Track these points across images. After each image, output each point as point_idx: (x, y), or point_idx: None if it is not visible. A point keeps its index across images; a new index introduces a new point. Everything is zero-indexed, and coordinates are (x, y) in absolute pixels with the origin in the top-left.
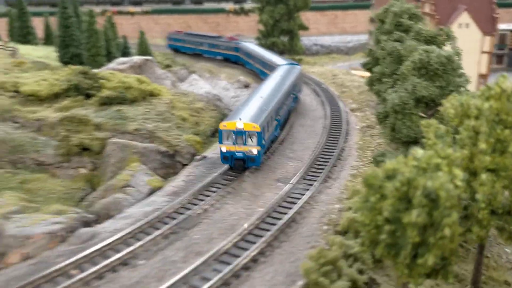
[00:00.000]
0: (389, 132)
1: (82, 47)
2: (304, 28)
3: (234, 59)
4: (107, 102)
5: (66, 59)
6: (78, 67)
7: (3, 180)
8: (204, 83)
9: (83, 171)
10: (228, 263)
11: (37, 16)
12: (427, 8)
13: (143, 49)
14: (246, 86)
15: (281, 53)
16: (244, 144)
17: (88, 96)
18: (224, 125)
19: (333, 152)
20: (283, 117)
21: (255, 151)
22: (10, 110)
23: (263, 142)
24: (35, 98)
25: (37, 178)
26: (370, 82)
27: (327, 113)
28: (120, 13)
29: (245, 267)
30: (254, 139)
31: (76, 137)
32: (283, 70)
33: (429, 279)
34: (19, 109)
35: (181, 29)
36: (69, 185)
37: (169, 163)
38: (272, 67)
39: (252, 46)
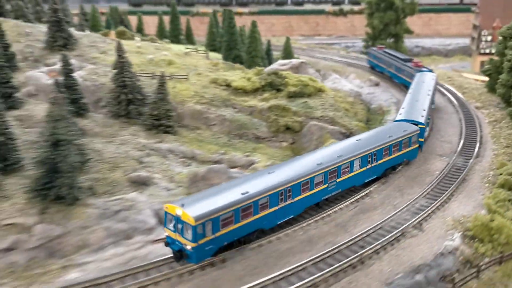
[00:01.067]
0: None
1: (243, 49)
2: (409, 32)
3: None
4: (292, 96)
5: (230, 59)
6: (261, 68)
7: (242, 147)
8: (346, 81)
9: (284, 144)
10: (434, 198)
11: (153, 15)
12: None
13: (288, 52)
14: (377, 84)
15: None
16: (182, 235)
17: (278, 90)
18: (166, 207)
19: (475, 137)
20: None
21: (189, 247)
22: (229, 99)
23: (205, 238)
24: (242, 91)
25: (260, 147)
26: (492, 86)
27: (457, 109)
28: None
29: (445, 201)
30: (190, 233)
31: (282, 120)
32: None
33: None
34: (234, 99)
35: (283, 29)
36: (281, 152)
37: None
38: None
39: (420, 78)
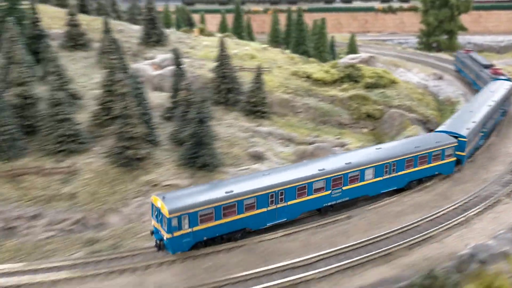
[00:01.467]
0: None
1: (310, 45)
2: (463, 29)
3: None
4: (369, 86)
5: (298, 54)
6: (335, 62)
7: (330, 132)
8: (412, 75)
9: (365, 130)
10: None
11: (213, 13)
12: None
13: (353, 48)
14: (440, 78)
15: (439, 50)
16: (161, 226)
17: (355, 81)
18: (152, 198)
19: None
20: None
21: (165, 237)
22: (311, 89)
23: (181, 231)
24: (321, 82)
25: (344, 132)
26: None
27: None
28: (279, 11)
29: None
30: (166, 225)
31: (364, 108)
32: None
33: None
34: (316, 89)
35: (332, 26)
36: (364, 137)
37: (425, 128)
38: None
39: (491, 87)
